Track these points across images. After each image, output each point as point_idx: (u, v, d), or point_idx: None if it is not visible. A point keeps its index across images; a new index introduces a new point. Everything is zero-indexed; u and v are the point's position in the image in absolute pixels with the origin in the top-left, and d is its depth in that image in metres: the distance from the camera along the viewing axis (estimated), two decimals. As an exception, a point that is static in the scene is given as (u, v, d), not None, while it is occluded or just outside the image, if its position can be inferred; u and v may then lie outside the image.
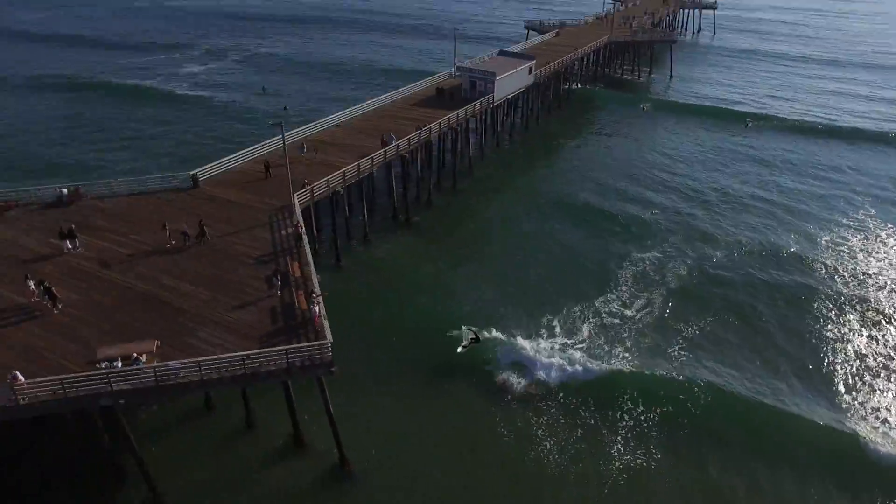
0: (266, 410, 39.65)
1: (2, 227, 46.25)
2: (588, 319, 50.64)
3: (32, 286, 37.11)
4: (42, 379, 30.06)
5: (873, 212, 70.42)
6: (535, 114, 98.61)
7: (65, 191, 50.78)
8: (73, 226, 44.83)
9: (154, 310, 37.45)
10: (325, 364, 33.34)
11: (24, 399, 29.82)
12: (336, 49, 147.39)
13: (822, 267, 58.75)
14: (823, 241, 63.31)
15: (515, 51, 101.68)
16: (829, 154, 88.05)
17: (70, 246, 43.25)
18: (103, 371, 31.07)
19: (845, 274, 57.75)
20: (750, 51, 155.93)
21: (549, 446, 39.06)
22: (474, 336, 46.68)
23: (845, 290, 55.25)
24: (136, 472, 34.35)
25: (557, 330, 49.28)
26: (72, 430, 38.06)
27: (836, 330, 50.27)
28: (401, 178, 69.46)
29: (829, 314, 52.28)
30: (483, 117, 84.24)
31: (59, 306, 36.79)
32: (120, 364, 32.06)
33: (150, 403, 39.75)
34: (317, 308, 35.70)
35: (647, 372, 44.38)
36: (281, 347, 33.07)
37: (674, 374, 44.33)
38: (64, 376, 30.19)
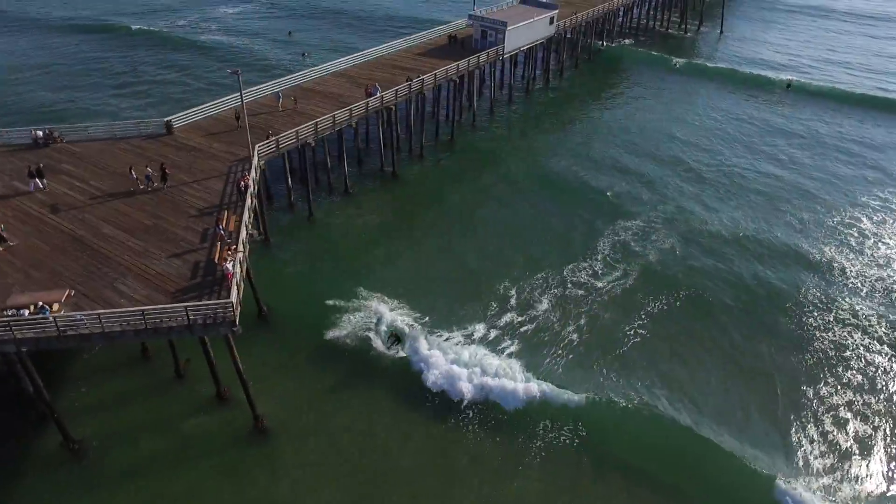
0: (201, 361, 39.61)
1: (-32, 167, 47.26)
2: (540, 315, 46.57)
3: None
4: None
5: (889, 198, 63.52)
6: (553, 70, 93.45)
7: (40, 133, 51.35)
8: (42, 165, 45.66)
9: (84, 258, 37.72)
10: (227, 323, 32.81)
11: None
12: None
13: (817, 265, 52.81)
14: (826, 234, 57.38)
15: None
16: (872, 129, 79.42)
17: (40, 185, 44.10)
18: (5, 319, 31.32)
19: (839, 276, 51.83)
20: (816, 7, 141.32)
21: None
22: (396, 338, 43.25)
23: (834, 297, 49.12)
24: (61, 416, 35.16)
25: (502, 321, 45.70)
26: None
27: (804, 348, 44.52)
28: (393, 130, 67.85)
29: (804, 320, 46.88)
30: (493, 69, 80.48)
31: (1, 249, 37.47)
32: (27, 313, 32.28)
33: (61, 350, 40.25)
34: (230, 265, 35.01)
35: (566, 394, 39.42)
36: (181, 304, 32.70)
37: (607, 395, 39.70)
38: (-33, 321, 30.64)
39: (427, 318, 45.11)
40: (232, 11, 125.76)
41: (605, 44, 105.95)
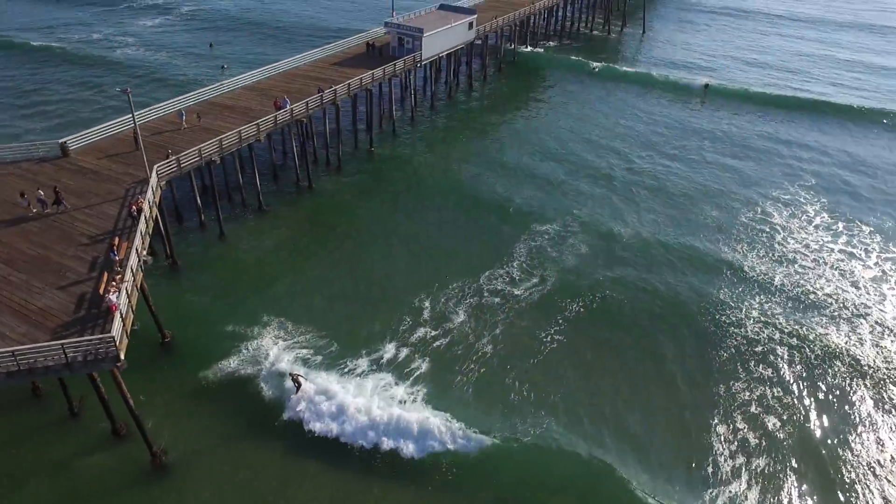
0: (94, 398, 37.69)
1: None
2: (455, 328, 45.51)
3: None
4: None
5: (807, 199, 64.28)
6: (476, 75, 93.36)
7: (-77, 159, 48.40)
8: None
9: (-41, 294, 35.32)
10: (110, 359, 31.13)
11: None
12: (297, 4, 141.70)
13: (729, 264, 53.11)
14: (739, 232, 58.05)
15: (467, 5, 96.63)
16: (787, 129, 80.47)
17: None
18: None
19: (750, 274, 52.13)
20: (734, 8, 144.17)
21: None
22: (296, 381, 39.36)
23: (744, 297, 49.51)
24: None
25: (389, 354, 43.22)
26: None
27: (716, 355, 44.17)
28: (309, 142, 66.72)
29: (719, 322, 46.88)
30: (411, 77, 79.79)
31: None
32: None
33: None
34: (114, 296, 33.33)
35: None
36: (58, 342, 30.87)
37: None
38: None
39: (333, 342, 43.69)
40: (151, 24, 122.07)
41: (527, 48, 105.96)
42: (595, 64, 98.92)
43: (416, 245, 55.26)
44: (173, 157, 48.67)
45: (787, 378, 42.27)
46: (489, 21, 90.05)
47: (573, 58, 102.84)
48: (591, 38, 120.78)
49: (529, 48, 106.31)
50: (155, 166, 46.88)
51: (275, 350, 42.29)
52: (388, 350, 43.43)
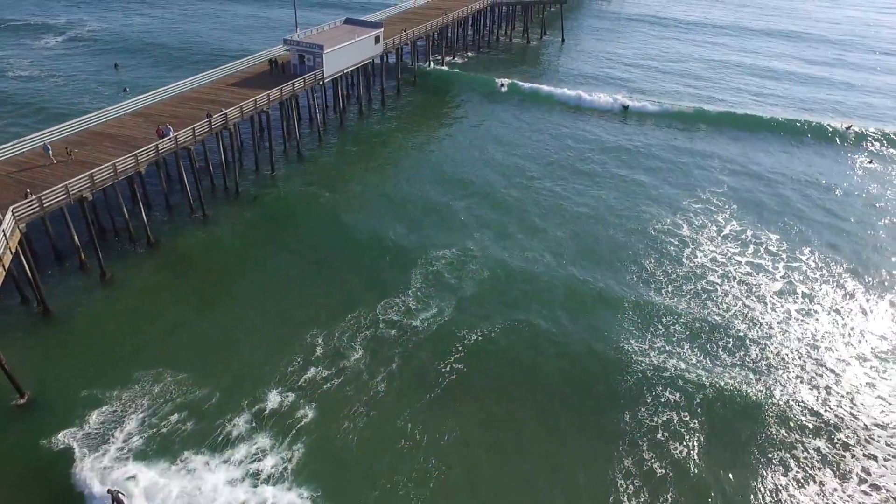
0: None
1: None
2: (350, 365, 42.57)
3: None
4: None
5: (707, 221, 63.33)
6: (389, 91, 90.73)
7: None
8: None
9: None
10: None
11: None
12: (207, 24, 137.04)
13: (630, 294, 50.42)
14: (647, 248, 56.54)
15: (382, 18, 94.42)
16: (697, 141, 78.58)
17: None
18: None
19: (657, 294, 50.45)
20: (650, 15, 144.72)
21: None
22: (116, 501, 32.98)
23: (652, 319, 47.72)
24: None
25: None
26: None
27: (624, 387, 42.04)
28: (208, 168, 63.50)
29: (625, 350, 44.77)
30: (315, 95, 76.71)
31: None
32: None
33: None
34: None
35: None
36: None
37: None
38: None
39: (214, 394, 40.11)
40: (53, 43, 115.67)
41: (430, 66, 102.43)
42: (501, 81, 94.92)
43: (312, 276, 52.44)
44: (34, 197, 44.67)
45: (693, 416, 40.27)
46: (399, 34, 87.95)
47: (482, 75, 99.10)
48: (511, 46, 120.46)
49: (433, 65, 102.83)
50: (11, 208, 42.84)
51: (118, 438, 36.96)
52: (273, 398, 40.33)
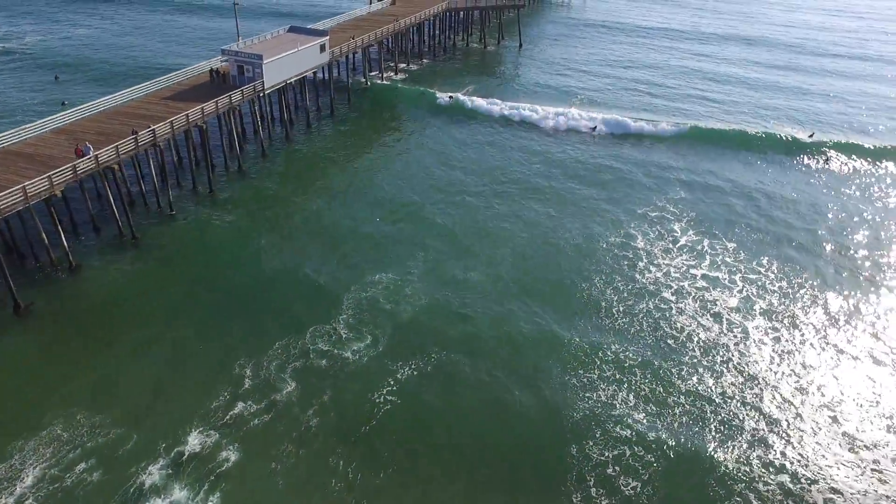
0: None
1: None
2: (281, 400, 39.79)
3: None
4: None
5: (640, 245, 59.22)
6: (327, 105, 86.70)
7: None
8: None
9: None
10: None
11: None
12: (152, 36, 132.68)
13: (579, 318, 47.73)
14: (594, 269, 53.46)
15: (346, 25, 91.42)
16: (650, 152, 76.14)
17: None
18: None
19: (606, 316, 48.08)
20: (615, 21, 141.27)
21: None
22: None
23: (600, 344, 45.19)
24: None
25: None
26: None
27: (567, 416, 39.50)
28: (136, 189, 60.11)
29: (568, 383, 41.90)
30: (257, 107, 73.23)
31: None
32: None
33: None
34: None
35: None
36: None
37: None
38: None
39: (130, 437, 37.02)
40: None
41: (378, 79, 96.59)
42: (445, 95, 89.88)
43: (243, 304, 49.06)
44: (-71, 226, 40.93)
45: (645, 454, 37.73)
46: (346, 42, 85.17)
47: (427, 88, 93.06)
48: (468, 52, 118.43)
49: (382, 77, 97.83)
50: None
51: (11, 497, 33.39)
52: (194, 440, 37.29)
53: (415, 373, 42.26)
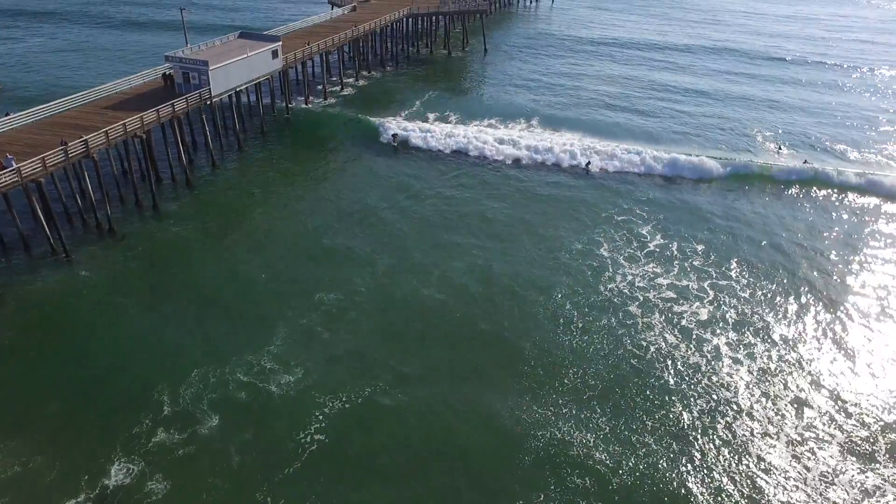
0: None
1: None
2: (205, 433, 36.53)
3: None
4: None
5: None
6: (282, 113, 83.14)
7: None
8: None
9: None
10: None
11: None
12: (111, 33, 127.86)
13: (529, 343, 44.18)
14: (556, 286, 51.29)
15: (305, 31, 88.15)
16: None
17: None
18: None
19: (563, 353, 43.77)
20: (579, 37, 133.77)
21: None
22: None
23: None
24: None
25: None
26: None
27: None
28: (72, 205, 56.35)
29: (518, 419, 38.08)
30: (202, 118, 69.45)
31: None
32: None
33: None
34: None
35: None
36: None
37: None
38: None
39: (46, 473, 33.60)
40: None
41: (288, 108, 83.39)
42: (391, 134, 77.14)
43: (170, 324, 45.61)
44: None
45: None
46: (302, 47, 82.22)
47: (368, 118, 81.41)
48: (431, 60, 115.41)
49: (287, 108, 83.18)
50: None
51: None
52: (118, 471, 34.05)
53: (346, 407, 38.60)
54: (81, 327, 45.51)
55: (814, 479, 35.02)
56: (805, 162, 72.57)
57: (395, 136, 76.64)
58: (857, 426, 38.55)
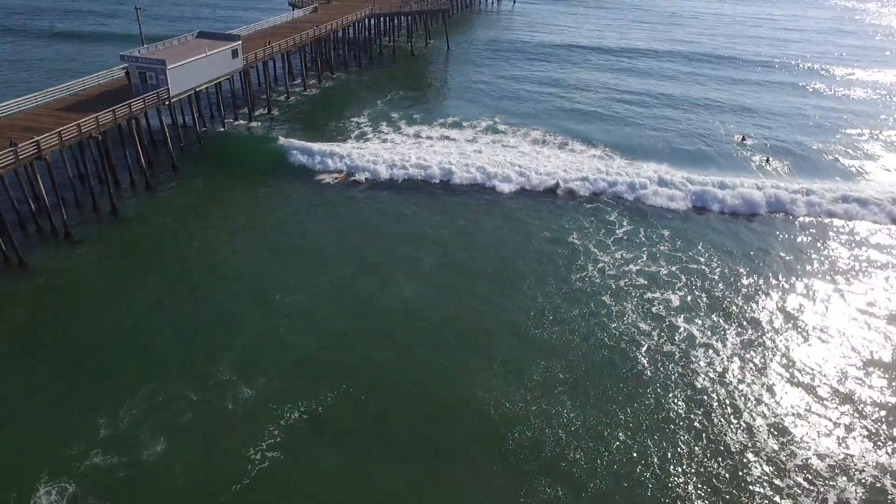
0: None
1: None
2: (149, 457, 34.80)
3: None
4: None
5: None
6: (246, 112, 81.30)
7: None
8: None
9: None
10: None
11: None
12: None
13: (500, 347, 42.74)
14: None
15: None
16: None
17: None
18: None
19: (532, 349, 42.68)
20: (543, 33, 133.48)
21: None
22: None
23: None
24: None
25: None
26: None
27: None
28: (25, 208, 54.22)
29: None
30: (161, 119, 67.71)
31: None
32: None
33: None
34: None
35: None
36: None
37: None
38: None
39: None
40: None
41: (224, 128, 76.66)
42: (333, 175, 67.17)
43: (118, 339, 43.52)
44: None
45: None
46: (263, 47, 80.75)
47: (310, 145, 71.44)
48: (393, 61, 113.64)
49: (219, 129, 77.03)
50: None
51: None
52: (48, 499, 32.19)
53: (304, 419, 37.34)
54: (48, 331, 43.73)
55: (794, 466, 34.81)
56: (743, 139, 76.12)
57: (336, 177, 66.39)
58: (834, 407, 38.62)
